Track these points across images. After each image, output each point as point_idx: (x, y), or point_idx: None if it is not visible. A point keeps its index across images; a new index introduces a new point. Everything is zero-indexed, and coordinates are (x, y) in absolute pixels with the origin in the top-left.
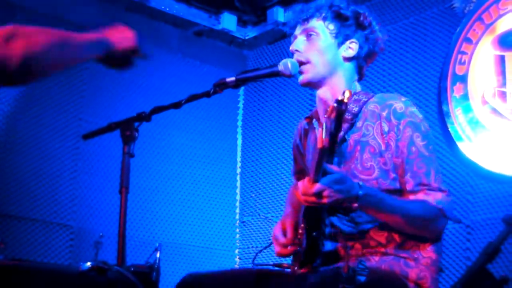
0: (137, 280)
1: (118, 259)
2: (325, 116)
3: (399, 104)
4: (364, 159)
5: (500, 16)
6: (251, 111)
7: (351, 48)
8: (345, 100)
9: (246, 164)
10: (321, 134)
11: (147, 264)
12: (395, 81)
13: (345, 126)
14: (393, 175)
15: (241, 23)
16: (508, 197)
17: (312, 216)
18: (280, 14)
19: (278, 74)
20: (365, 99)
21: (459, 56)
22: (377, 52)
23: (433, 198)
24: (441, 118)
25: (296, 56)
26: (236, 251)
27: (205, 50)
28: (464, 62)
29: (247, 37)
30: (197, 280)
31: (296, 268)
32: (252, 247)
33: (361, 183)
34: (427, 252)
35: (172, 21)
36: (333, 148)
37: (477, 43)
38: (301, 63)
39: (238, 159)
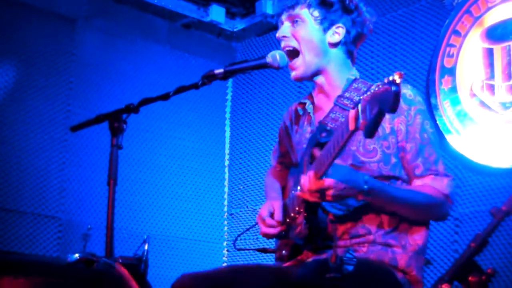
0: (125, 272)
1: (106, 251)
2: (367, 94)
3: (408, 91)
4: (367, 142)
5: (489, 9)
6: (239, 103)
7: (337, 33)
8: (397, 81)
9: (235, 156)
10: (353, 115)
11: (135, 256)
12: (383, 73)
13: (347, 113)
14: (394, 160)
15: (230, 15)
16: (496, 189)
17: (312, 207)
18: (268, 6)
19: (266, 66)
20: (365, 89)
21: (448, 48)
22: (366, 34)
23: (440, 184)
24: (430, 110)
25: (283, 42)
26: (224, 243)
27: (193, 42)
28: (453, 55)
29: (235, 29)
30: (192, 281)
31: (284, 252)
32: (240, 239)
33: (366, 177)
34: (414, 240)
35: (161, 13)
36: (371, 134)
37: (465, 35)
38: (291, 52)
39: (227, 151)
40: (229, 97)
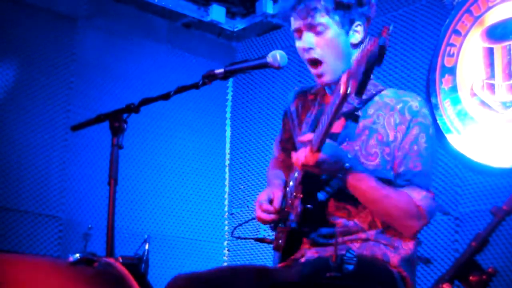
0: (125, 271)
1: (107, 251)
2: (356, 56)
3: (415, 102)
4: (369, 145)
5: (489, 8)
6: (239, 102)
7: (357, 32)
8: (383, 34)
9: (235, 156)
10: (345, 79)
11: (136, 255)
12: (383, 73)
13: (350, 108)
14: (389, 166)
15: (230, 14)
16: (497, 189)
17: (308, 189)
18: (269, 6)
19: (266, 65)
20: (374, 91)
21: (448, 48)
22: (373, 18)
23: (416, 195)
24: (430, 110)
25: (309, 54)
26: (225, 243)
27: (194, 42)
28: (453, 54)
29: (235, 29)
30: (187, 282)
31: (280, 242)
32: (241, 229)
33: (350, 155)
34: (407, 245)
35: (161, 13)
36: (360, 92)
37: (466, 35)
38: (315, 61)
39: (227, 151)
40: (229, 96)
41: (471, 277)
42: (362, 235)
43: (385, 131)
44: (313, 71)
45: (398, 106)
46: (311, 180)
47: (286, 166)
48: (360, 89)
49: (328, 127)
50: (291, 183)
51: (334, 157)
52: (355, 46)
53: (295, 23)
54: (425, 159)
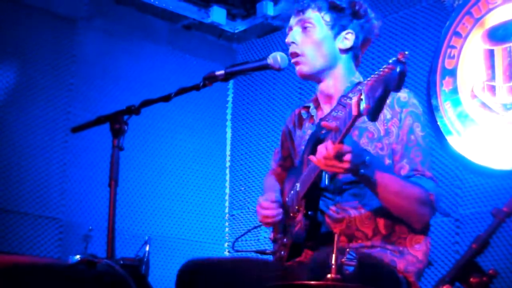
0: (126, 273)
1: (107, 253)
2: (371, 77)
3: (403, 94)
4: (361, 142)
5: (490, 10)
6: (240, 104)
7: (347, 39)
8: (402, 60)
9: (235, 157)
10: (356, 100)
11: (136, 257)
12: None
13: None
14: (388, 161)
15: (230, 16)
16: (497, 190)
17: (311, 198)
18: (269, 8)
19: (267, 67)
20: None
21: (449, 50)
22: (372, 39)
23: (427, 184)
24: (430, 112)
25: (291, 48)
26: (226, 244)
27: (194, 44)
28: (454, 56)
29: (236, 31)
30: (200, 266)
31: (282, 253)
32: (241, 240)
33: (367, 149)
34: (414, 251)
35: (161, 14)
36: (375, 118)
37: (466, 37)
38: (295, 55)
39: (227, 152)
40: (230, 98)
41: (471, 279)
42: (367, 243)
43: (376, 127)
44: (287, 62)
45: (388, 101)
46: (314, 193)
47: (282, 179)
48: (374, 114)
49: (348, 127)
50: (292, 192)
51: (356, 149)
52: (344, 51)
53: (291, 21)
54: (424, 149)
